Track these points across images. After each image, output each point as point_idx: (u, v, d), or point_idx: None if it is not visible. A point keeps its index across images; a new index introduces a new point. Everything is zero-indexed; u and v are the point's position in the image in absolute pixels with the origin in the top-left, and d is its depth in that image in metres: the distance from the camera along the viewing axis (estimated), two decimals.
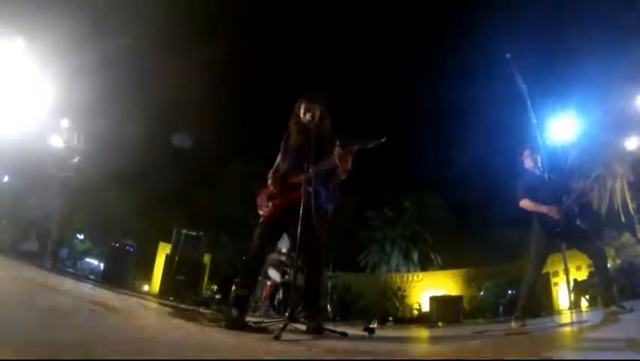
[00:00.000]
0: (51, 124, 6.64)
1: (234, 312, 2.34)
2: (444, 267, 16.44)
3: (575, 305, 6.82)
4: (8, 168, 6.58)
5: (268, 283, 6.10)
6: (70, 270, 4.95)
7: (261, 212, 2.74)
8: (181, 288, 6.44)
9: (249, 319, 2.51)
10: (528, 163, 3.72)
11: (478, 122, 17.31)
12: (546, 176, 3.62)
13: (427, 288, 13.57)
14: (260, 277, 6.91)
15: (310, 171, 2.49)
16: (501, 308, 10.72)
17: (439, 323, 7.00)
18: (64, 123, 6.95)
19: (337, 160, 2.53)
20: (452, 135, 20.52)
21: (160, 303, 3.98)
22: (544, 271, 5.08)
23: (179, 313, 2.82)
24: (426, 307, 10.92)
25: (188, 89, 13.72)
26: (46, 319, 1.36)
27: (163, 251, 9.54)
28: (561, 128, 5.48)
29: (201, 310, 3.67)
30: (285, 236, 5.15)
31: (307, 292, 2.60)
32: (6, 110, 5.70)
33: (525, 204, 3.49)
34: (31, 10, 6.00)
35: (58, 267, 4.90)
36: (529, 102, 4.54)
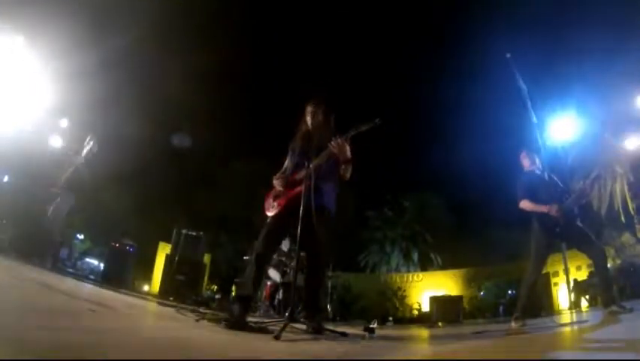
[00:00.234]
0: (51, 124, 6.64)
1: (236, 310, 2.35)
2: (444, 267, 16.45)
3: (575, 305, 6.82)
4: (8, 167, 6.57)
5: (268, 283, 6.10)
6: (70, 270, 4.93)
7: (268, 213, 2.78)
8: (181, 288, 6.44)
9: (248, 319, 2.51)
10: (526, 164, 3.74)
11: (478, 122, 17.32)
12: (546, 176, 3.63)
13: (427, 288, 13.57)
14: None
15: (310, 166, 2.51)
16: (501, 308, 10.72)
17: (439, 323, 7.00)
18: (64, 123, 6.95)
19: (335, 150, 2.53)
20: (452, 135, 20.51)
21: (160, 303, 3.98)
22: (544, 271, 5.08)
23: (179, 313, 2.82)
24: (426, 307, 10.92)
25: (189, 89, 13.71)
26: (46, 319, 1.36)
27: (163, 251, 9.55)
28: (561, 128, 5.47)
29: (201, 310, 3.67)
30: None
31: (307, 292, 2.60)
32: (6, 109, 5.69)
33: (525, 204, 3.49)
34: (32, 8, 6.00)
35: (58, 267, 4.89)
36: (529, 102, 4.54)
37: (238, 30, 19.18)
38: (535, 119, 4.50)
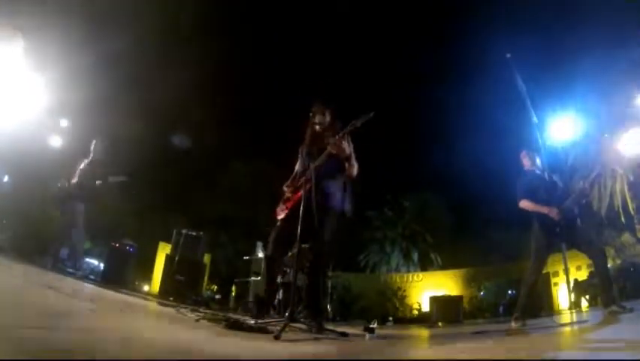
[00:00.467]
0: (51, 123, 6.63)
1: (254, 310, 2.42)
2: (444, 267, 16.44)
3: (575, 305, 6.82)
4: (8, 167, 6.57)
5: None
6: (70, 270, 4.92)
7: (278, 217, 2.85)
8: (181, 288, 6.44)
9: (247, 319, 2.51)
10: (526, 164, 3.74)
11: (479, 122, 17.35)
12: (546, 176, 3.63)
13: (427, 288, 13.56)
14: (260, 278, 6.92)
15: (310, 165, 2.56)
16: (501, 308, 10.72)
17: (439, 323, 7.00)
18: (64, 123, 6.94)
19: (333, 150, 2.55)
20: (452, 135, 20.53)
21: (160, 303, 3.98)
22: (544, 271, 5.08)
23: (179, 313, 2.82)
24: (426, 307, 10.91)
25: (189, 89, 13.71)
26: (46, 319, 1.36)
27: (163, 251, 9.54)
28: (561, 128, 5.47)
29: (201, 310, 3.67)
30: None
31: (308, 292, 2.61)
32: (6, 109, 5.69)
33: (525, 204, 3.49)
34: (32, 7, 5.99)
35: (59, 267, 4.88)
36: (529, 102, 4.54)
37: (238, 30, 19.19)
38: (535, 119, 4.51)
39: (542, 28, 13.41)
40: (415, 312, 12.36)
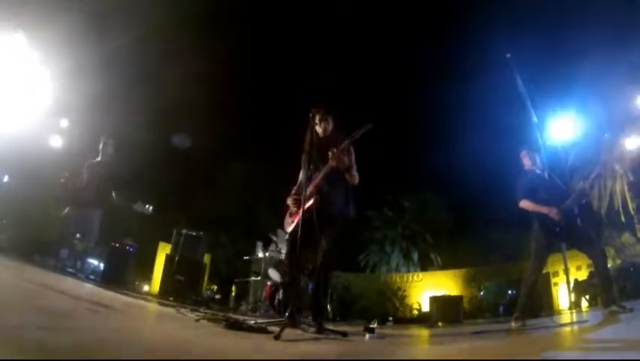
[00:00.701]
0: (51, 123, 6.63)
1: (286, 315, 2.44)
2: (444, 267, 16.43)
3: (575, 305, 6.82)
4: (8, 168, 6.56)
5: (268, 283, 6.11)
6: (70, 270, 4.91)
7: (287, 229, 2.93)
8: (181, 288, 6.44)
9: (247, 319, 2.52)
10: (526, 163, 3.73)
11: (479, 122, 17.33)
12: (546, 176, 3.63)
13: (427, 288, 13.55)
14: (260, 278, 6.93)
15: (313, 177, 2.63)
16: (501, 308, 10.71)
17: (439, 323, 6.99)
18: (64, 123, 6.94)
19: (333, 163, 2.60)
20: (452, 135, 20.48)
21: (160, 303, 3.98)
22: (544, 271, 5.08)
23: (179, 314, 2.82)
24: (426, 307, 10.91)
25: (189, 89, 13.70)
26: (46, 319, 1.36)
27: (163, 251, 9.54)
28: (561, 128, 5.47)
29: (201, 310, 3.67)
30: (285, 236, 5.21)
31: (313, 296, 2.65)
32: (6, 109, 5.68)
33: (525, 204, 3.49)
34: (33, 5, 5.98)
35: (59, 267, 4.88)
36: (529, 102, 4.54)
37: (238, 30, 19.18)
38: (535, 119, 4.51)
39: (542, 29, 13.41)
40: (415, 312, 12.36)
